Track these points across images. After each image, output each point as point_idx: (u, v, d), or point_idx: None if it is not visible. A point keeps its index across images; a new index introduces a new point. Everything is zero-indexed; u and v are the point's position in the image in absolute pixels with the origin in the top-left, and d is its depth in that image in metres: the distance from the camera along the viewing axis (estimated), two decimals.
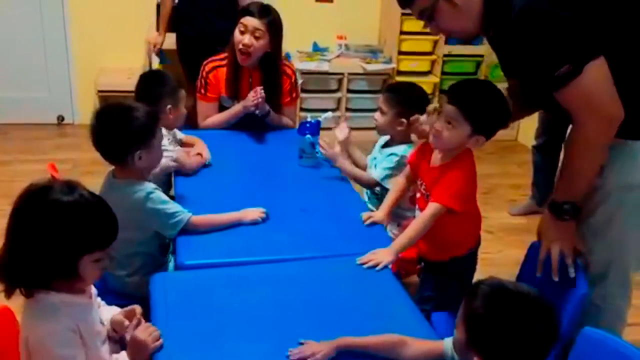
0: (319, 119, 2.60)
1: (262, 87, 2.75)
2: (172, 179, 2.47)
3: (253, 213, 2.08)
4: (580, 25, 1.57)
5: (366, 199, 2.56)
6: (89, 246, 1.40)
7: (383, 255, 1.86)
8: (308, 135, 2.54)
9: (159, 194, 1.96)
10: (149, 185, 1.95)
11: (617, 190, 1.74)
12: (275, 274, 1.82)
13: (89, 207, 1.40)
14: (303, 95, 4.66)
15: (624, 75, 1.64)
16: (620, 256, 1.81)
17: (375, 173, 2.44)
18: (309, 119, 2.58)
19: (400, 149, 2.43)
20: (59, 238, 1.36)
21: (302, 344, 1.48)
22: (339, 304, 1.70)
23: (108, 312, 1.62)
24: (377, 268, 1.83)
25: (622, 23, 1.65)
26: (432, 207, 1.91)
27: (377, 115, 2.46)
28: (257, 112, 2.78)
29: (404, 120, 2.40)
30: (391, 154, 2.44)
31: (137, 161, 1.91)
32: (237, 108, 2.84)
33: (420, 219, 1.94)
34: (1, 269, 1.38)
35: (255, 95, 2.73)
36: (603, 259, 1.80)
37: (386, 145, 2.52)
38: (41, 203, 1.37)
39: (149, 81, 2.47)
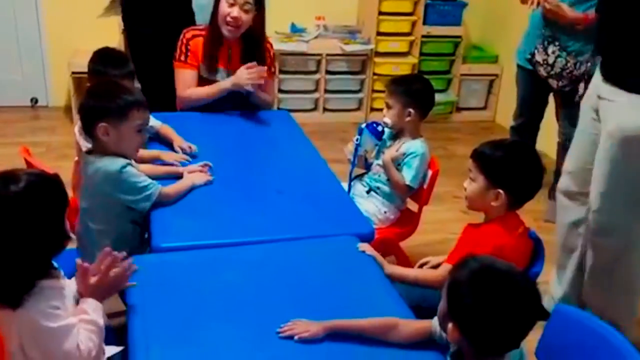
0: (385, 130, 2.44)
1: (254, 63, 2.67)
2: None
3: (200, 177, 2.16)
4: None
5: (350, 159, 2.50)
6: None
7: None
8: (368, 133, 2.40)
9: (132, 169, 1.96)
10: (123, 160, 1.95)
11: None
12: (252, 256, 1.81)
13: (42, 191, 1.37)
14: (281, 76, 4.64)
15: None
16: None
17: (404, 176, 2.38)
18: (382, 123, 2.43)
19: (416, 146, 2.40)
20: (28, 235, 1.33)
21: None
22: (316, 285, 1.70)
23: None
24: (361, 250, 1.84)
25: None
26: (444, 268, 1.80)
27: (385, 111, 2.43)
28: (245, 91, 2.72)
29: (411, 110, 2.39)
30: (412, 154, 2.39)
31: (101, 135, 1.91)
32: (225, 84, 2.71)
33: (434, 274, 1.84)
34: None
35: (252, 74, 2.65)
36: None
37: (395, 137, 2.48)
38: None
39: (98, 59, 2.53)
